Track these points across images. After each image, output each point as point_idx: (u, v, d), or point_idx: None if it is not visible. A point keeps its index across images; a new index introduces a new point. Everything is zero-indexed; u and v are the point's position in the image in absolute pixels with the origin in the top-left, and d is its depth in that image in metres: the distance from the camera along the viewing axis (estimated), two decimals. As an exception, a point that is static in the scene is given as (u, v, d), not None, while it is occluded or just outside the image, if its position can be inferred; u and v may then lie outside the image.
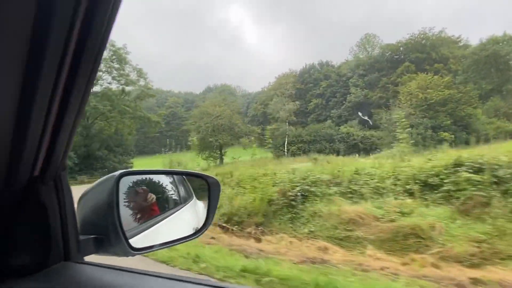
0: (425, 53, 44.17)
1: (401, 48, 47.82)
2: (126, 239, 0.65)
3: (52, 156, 0.53)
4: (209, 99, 42.89)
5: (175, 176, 1.10)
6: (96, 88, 32.13)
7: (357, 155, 19.05)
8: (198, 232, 0.87)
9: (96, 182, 0.70)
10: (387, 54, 49.07)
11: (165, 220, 0.95)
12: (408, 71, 41.19)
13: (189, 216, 1.10)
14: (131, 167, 32.88)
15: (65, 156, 0.56)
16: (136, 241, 0.71)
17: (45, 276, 0.56)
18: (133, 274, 0.57)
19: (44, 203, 0.57)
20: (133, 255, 0.67)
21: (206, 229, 0.87)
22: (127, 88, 33.68)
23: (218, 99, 37.96)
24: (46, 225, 0.57)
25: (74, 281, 0.55)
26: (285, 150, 34.28)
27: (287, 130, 35.78)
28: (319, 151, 34.23)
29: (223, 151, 33.67)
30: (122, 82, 33.11)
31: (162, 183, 0.99)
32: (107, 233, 0.64)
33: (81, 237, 0.63)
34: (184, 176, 1.19)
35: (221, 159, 33.51)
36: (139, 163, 36.66)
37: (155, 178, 0.97)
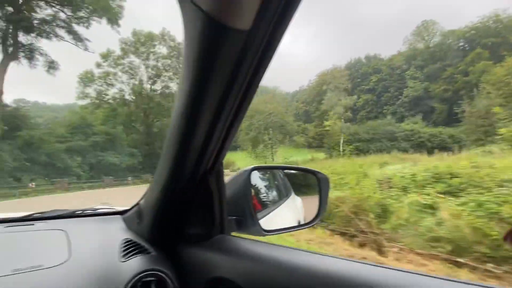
0: (500, 37, 38.44)
1: (467, 34, 42.31)
2: (259, 222, 0.79)
3: (219, 155, 0.68)
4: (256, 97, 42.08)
5: (279, 171, 1.23)
6: (157, 86, 32.73)
7: (445, 153, 16.28)
8: (310, 222, 0.97)
9: (234, 174, 0.84)
10: (450, 41, 43.83)
11: (277, 209, 1.08)
12: (480, 59, 36.15)
13: (292, 209, 1.19)
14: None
15: (224, 154, 0.70)
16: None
17: (209, 245, 0.73)
18: (274, 246, 0.68)
19: (211, 190, 0.73)
20: (264, 235, 0.80)
21: (317, 222, 0.97)
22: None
23: (269, 96, 36.81)
24: (211, 206, 0.73)
25: (231, 249, 0.68)
26: (341, 150, 31.96)
27: (342, 127, 33.35)
28: (380, 151, 31.41)
29: (274, 150, 32.52)
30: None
31: (273, 176, 1.19)
32: (245, 216, 0.78)
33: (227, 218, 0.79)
34: (289, 171, 1.28)
35: (273, 159, 32.37)
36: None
37: (270, 172, 1.18)
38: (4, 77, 21.12)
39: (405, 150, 30.37)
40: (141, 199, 0.89)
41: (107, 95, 31.90)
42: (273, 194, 1.16)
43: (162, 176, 0.72)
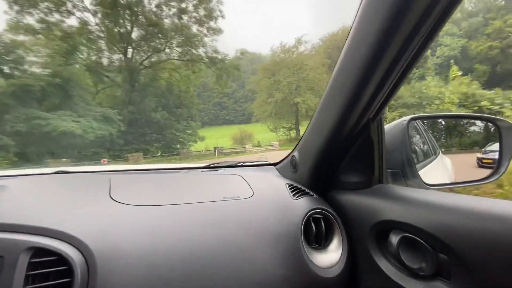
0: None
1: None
2: (419, 174, 0.78)
3: (384, 104, 0.68)
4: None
5: (422, 128, 1.13)
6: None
7: None
8: (486, 178, 0.89)
9: (388, 125, 0.85)
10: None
11: (428, 165, 1.02)
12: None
13: (440, 167, 1.12)
14: (200, 140, 24.36)
15: (389, 103, 0.69)
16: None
17: (369, 192, 0.76)
18: (432, 191, 0.72)
19: (372, 139, 0.74)
20: (427, 188, 0.79)
21: (495, 179, 0.89)
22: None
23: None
24: (371, 156, 0.76)
25: (397, 195, 0.68)
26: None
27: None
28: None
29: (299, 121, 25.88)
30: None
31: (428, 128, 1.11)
32: (402, 168, 0.80)
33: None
34: (456, 120, 1.20)
35: (298, 133, 25.70)
36: (211, 135, 29.11)
37: (421, 125, 1.08)
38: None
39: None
40: (293, 150, 0.98)
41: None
42: (425, 148, 1.09)
43: (323, 126, 0.75)
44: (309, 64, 25.50)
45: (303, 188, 0.88)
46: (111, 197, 0.70)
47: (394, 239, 0.62)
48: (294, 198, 0.83)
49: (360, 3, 0.54)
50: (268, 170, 1.12)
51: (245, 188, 0.86)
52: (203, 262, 0.61)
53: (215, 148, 22.04)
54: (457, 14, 38.52)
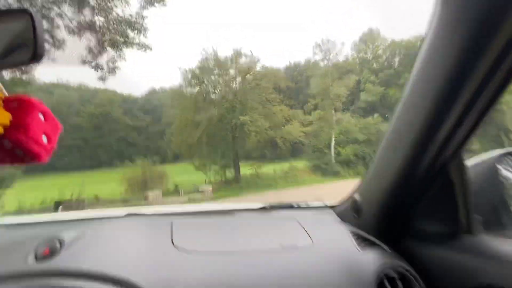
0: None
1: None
2: None
3: (467, 138, 0.60)
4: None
5: None
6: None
7: None
8: None
9: (473, 162, 0.74)
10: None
11: None
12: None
13: None
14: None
15: (471, 140, 0.61)
16: None
17: (458, 245, 0.64)
18: None
19: (453, 181, 0.65)
20: None
21: None
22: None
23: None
24: (453, 200, 0.65)
25: (493, 252, 0.58)
26: (332, 155, 21.33)
27: (334, 121, 23.05)
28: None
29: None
30: None
31: None
32: (496, 214, 0.68)
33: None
34: None
35: (237, 171, 18.65)
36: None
37: None
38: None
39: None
40: (353, 192, 0.90)
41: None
42: None
43: (390, 165, 0.69)
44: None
45: (369, 238, 0.80)
46: (173, 243, 0.73)
47: None
48: (361, 250, 0.75)
49: (433, 17, 0.48)
50: (325, 213, 1.04)
51: (302, 235, 0.82)
52: None
53: (56, 203, 11.58)
54: (373, 65, 42.47)
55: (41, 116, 0.46)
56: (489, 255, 0.57)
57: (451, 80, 0.49)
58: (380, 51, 45.87)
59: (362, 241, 0.79)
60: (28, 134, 0.43)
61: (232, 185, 17.32)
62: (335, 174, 20.24)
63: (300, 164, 21.81)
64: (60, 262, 0.62)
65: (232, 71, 19.67)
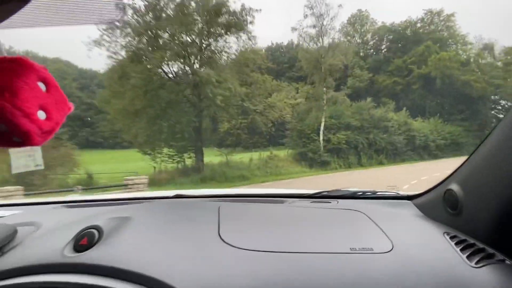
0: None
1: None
2: None
3: None
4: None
5: None
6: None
7: None
8: None
9: None
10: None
11: None
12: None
13: None
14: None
15: None
16: None
17: None
18: None
19: None
20: None
21: None
22: None
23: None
24: None
25: None
26: (321, 143, 17.44)
27: (324, 100, 18.94)
28: (372, 147, 19.15)
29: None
30: None
31: None
32: None
33: None
34: None
35: (199, 156, 13.92)
36: None
37: None
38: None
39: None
40: (445, 181, 0.73)
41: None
42: None
43: None
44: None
45: (478, 244, 0.58)
46: (220, 237, 0.64)
47: None
48: (474, 264, 0.53)
49: None
50: (401, 206, 0.85)
51: (377, 234, 0.64)
52: None
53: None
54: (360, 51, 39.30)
55: (41, 85, 0.35)
56: None
57: None
58: (369, 36, 42.98)
59: (469, 248, 0.56)
60: (16, 103, 0.31)
61: (191, 175, 12.73)
62: (324, 165, 16.38)
63: (283, 152, 17.71)
64: (94, 255, 0.57)
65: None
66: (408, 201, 0.86)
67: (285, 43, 44.41)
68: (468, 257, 0.55)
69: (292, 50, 43.68)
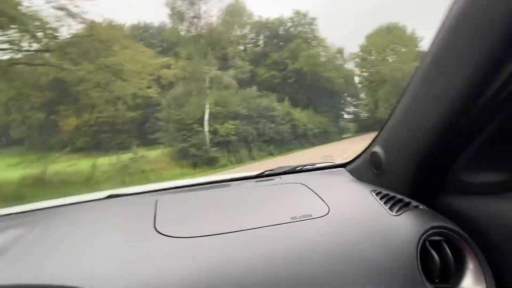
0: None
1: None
2: None
3: None
4: None
5: None
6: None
7: None
8: None
9: None
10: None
11: None
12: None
13: None
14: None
15: None
16: None
17: (508, 197, 0.56)
18: None
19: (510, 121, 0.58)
20: None
21: None
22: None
23: None
24: (510, 143, 0.57)
25: None
26: (207, 135, 14.28)
27: (207, 81, 15.44)
28: (261, 138, 17.70)
29: None
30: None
31: None
32: None
33: None
34: None
35: None
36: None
37: None
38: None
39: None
40: (370, 146, 0.80)
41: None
42: None
43: (426, 107, 0.57)
44: None
45: (398, 196, 0.67)
46: (156, 229, 0.60)
47: None
48: (394, 213, 0.62)
49: None
50: (336, 174, 0.93)
51: (315, 202, 0.69)
52: None
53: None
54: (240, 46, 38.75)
55: None
56: None
57: None
58: (247, 29, 43.33)
59: (391, 200, 0.66)
60: None
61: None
62: (212, 163, 13.31)
63: (156, 152, 13.35)
64: None
65: None
66: (342, 168, 0.95)
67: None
68: (390, 208, 0.64)
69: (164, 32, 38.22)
